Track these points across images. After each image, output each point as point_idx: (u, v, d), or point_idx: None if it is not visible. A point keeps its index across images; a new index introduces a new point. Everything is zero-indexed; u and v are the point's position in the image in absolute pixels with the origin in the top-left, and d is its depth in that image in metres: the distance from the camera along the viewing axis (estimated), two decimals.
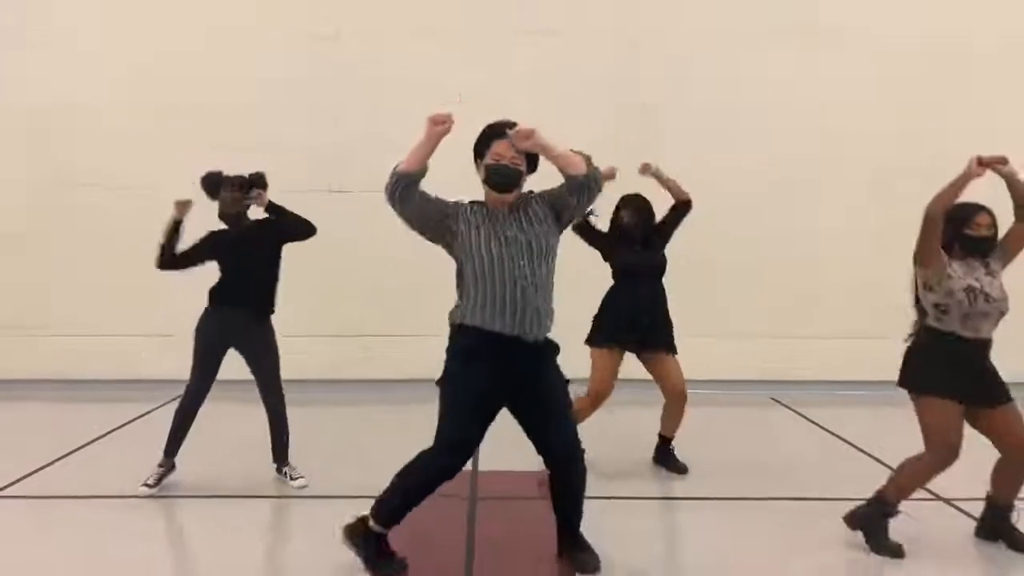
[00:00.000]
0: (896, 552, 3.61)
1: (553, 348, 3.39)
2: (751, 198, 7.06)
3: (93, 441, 5.49)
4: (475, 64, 6.96)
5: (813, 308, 7.14)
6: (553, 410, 3.36)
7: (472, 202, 3.36)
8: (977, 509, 3.92)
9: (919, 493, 4.29)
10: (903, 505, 3.70)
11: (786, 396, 6.86)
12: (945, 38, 7.08)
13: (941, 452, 3.54)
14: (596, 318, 4.84)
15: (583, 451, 3.43)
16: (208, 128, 6.82)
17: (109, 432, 5.71)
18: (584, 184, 3.23)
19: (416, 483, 3.32)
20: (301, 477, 4.60)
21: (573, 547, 3.52)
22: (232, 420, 5.32)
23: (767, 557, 3.68)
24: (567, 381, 3.44)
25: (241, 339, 4.52)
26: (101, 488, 4.53)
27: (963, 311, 3.52)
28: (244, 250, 4.50)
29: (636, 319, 4.72)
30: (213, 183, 4.52)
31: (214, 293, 4.55)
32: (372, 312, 6.98)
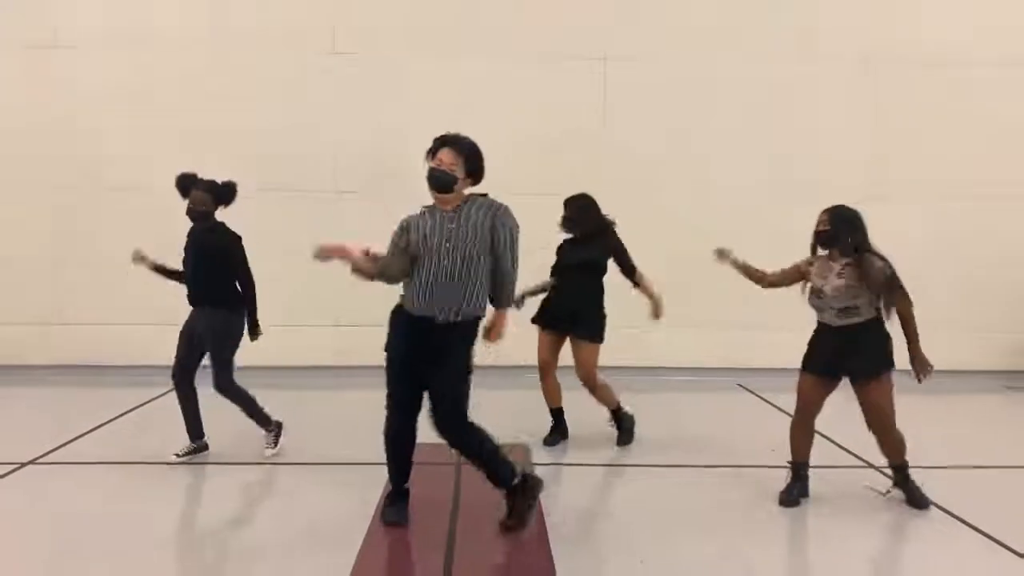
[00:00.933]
0: (787, 503, 4.36)
1: (465, 328, 3.81)
2: (727, 199, 7.63)
3: (118, 416, 6.04)
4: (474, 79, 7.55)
5: (780, 301, 7.68)
6: (439, 382, 3.76)
7: (426, 207, 3.93)
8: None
9: (850, 460, 4.89)
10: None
11: (752, 383, 7.43)
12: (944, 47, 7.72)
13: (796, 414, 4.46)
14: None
15: (461, 422, 3.79)
16: (219, 134, 7.35)
17: (129, 410, 6.27)
18: None
19: (386, 447, 3.95)
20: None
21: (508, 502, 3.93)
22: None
23: (708, 509, 4.30)
24: (469, 368, 3.83)
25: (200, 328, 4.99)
26: (124, 456, 5.11)
27: (811, 303, 4.36)
28: (199, 247, 4.96)
29: (559, 309, 5.31)
30: (186, 183, 4.94)
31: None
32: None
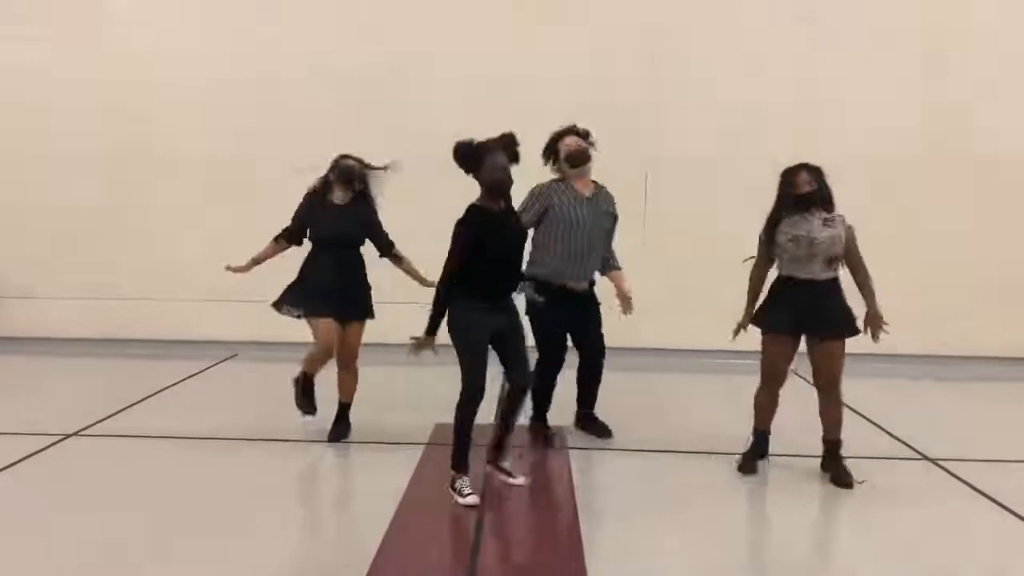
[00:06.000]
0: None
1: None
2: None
3: (162, 390, 6.54)
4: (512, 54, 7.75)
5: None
6: (591, 323, 5.17)
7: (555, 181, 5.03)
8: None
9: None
10: None
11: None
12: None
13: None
14: None
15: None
16: (276, 110, 7.83)
17: (173, 384, 6.74)
18: None
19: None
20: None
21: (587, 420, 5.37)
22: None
23: None
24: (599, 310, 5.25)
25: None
26: (176, 431, 5.52)
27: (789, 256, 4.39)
28: (509, 229, 4.13)
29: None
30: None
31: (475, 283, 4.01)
32: None
